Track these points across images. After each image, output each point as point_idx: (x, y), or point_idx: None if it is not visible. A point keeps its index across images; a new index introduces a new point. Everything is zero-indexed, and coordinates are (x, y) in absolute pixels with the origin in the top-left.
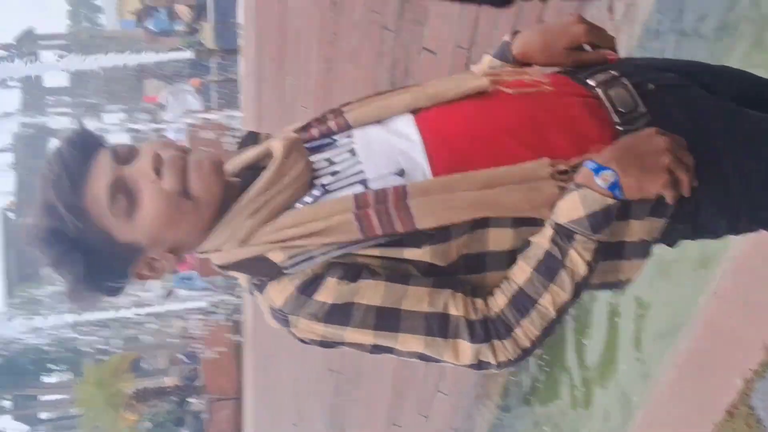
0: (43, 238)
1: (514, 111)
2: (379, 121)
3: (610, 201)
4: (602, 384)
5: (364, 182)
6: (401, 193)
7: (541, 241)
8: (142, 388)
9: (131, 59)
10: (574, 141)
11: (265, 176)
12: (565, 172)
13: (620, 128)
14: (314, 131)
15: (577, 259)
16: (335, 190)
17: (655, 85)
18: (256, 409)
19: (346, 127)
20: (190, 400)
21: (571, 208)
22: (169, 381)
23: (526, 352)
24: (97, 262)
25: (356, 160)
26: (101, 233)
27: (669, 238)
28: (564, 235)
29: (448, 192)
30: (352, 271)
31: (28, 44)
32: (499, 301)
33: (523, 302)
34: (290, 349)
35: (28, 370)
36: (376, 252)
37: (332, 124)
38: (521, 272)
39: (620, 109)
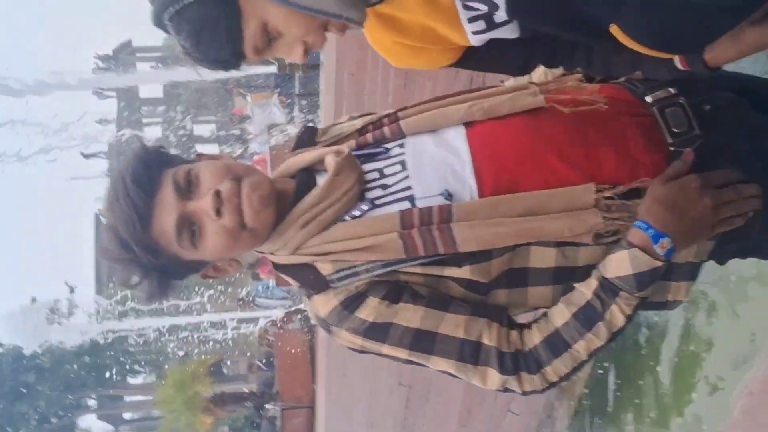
0: (121, 265)
1: (565, 129)
2: (432, 131)
3: (659, 264)
4: (676, 409)
5: (411, 199)
6: (446, 214)
7: (585, 291)
8: (220, 393)
9: (222, 72)
10: (623, 162)
11: (316, 192)
12: (611, 198)
13: (673, 149)
14: (369, 136)
15: (618, 314)
16: (383, 204)
17: (711, 106)
18: (328, 419)
19: (400, 135)
20: (267, 406)
21: (619, 265)
22: (248, 387)
23: (552, 386)
24: (169, 276)
25: (405, 174)
26: (171, 257)
27: (718, 256)
28: (609, 289)
29: (491, 216)
30: (394, 291)
31: (125, 56)
32: (534, 338)
33: (557, 344)
34: (362, 361)
35: (114, 370)
36: (418, 270)
37: (387, 130)
38: (560, 316)
39: (675, 130)
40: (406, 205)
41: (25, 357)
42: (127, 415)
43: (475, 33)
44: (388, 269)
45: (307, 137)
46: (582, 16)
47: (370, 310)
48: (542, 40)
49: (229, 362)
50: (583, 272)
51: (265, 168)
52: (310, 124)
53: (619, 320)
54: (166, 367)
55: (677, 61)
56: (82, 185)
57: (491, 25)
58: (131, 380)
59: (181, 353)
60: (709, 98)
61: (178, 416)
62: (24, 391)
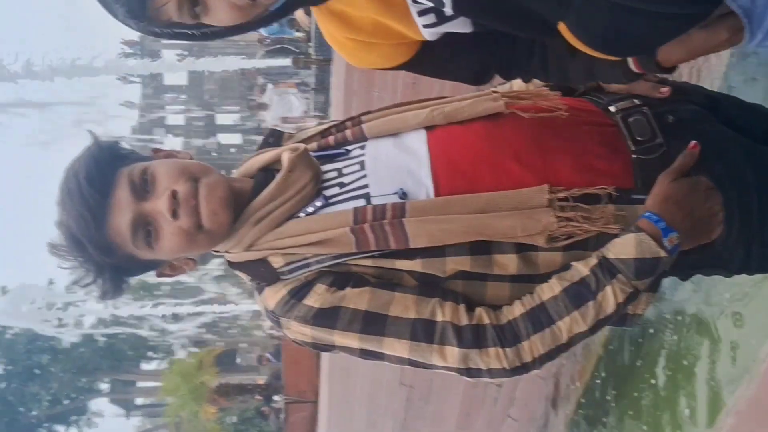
0: (74, 263)
1: (524, 135)
2: (393, 134)
3: (663, 255)
4: (670, 424)
5: (367, 197)
6: (399, 211)
7: (581, 267)
8: (225, 383)
9: (242, 63)
10: (581, 170)
11: (269, 188)
12: (565, 200)
13: (635, 156)
14: (331, 138)
15: (610, 297)
16: (338, 202)
17: (675, 117)
18: (330, 416)
19: (362, 138)
20: (276, 398)
21: (623, 247)
22: (259, 378)
23: (523, 367)
24: (123, 274)
25: (363, 174)
26: (126, 256)
27: (680, 269)
28: (607, 269)
29: (444, 214)
30: (341, 279)
31: (151, 42)
32: (515, 310)
33: (540, 318)
34: (364, 360)
35: (127, 355)
36: (369, 262)
37: (349, 133)
38: (549, 290)
39: (637, 138)
40: (362, 202)
41: (40, 338)
42: (139, 401)
43: (426, 26)
44: (339, 261)
45: (273, 140)
46: (530, 14)
47: (317, 296)
48: (498, 46)
49: (244, 353)
50: (543, 278)
51: None
52: (278, 127)
53: (610, 305)
54: (176, 356)
55: (631, 63)
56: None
57: (442, 18)
58: (144, 366)
59: (195, 341)
60: (673, 110)
61: (183, 405)
62: (37, 371)
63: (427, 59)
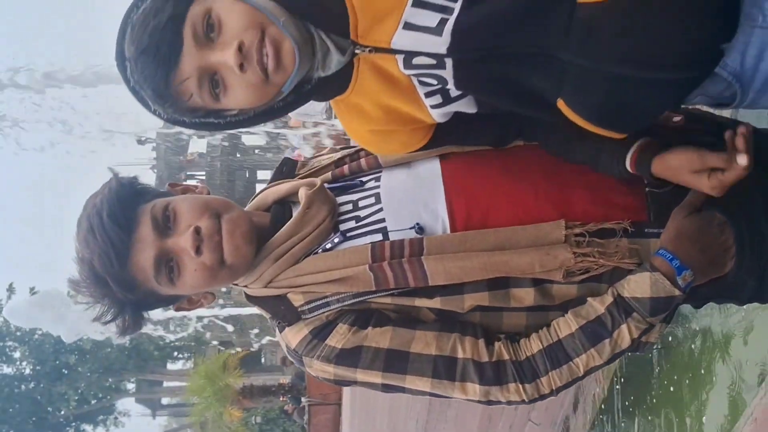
0: (95, 299)
1: (541, 166)
2: (407, 163)
3: (678, 294)
4: (688, 428)
5: (384, 231)
6: (417, 248)
7: (597, 305)
8: (249, 385)
9: None
10: (597, 203)
11: (288, 225)
12: (581, 235)
13: (648, 189)
14: (345, 168)
15: (626, 335)
16: (355, 236)
17: None
18: (353, 419)
19: (377, 166)
20: (303, 399)
21: (638, 286)
22: (283, 379)
23: (542, 397)
24: (142, 309)
25: (379, 207)
26: (147, 292)
27: (694, 300)
28: (622, 308)
29: (461, 251)
30: (363, 317)
31: None
32: (533, 345)
33: (558, 355)
34: (385, 392)
35: (153, 355)
36: (388, 300)
37: (363, 162)
38: (566, 326)
39: None
40: (379, 237)
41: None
42: (165, 400)
43: (433, 107)
44: (359, 299)
45: (287, 169)
46: (530, 91)
47: (339, 336)
48: (511, 118)
49: (269, 354)
50: (558, 308)
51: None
52: (290, 156)
53: (625, 342)
54: (202, 356)
55: (628, 163)
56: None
57: (447, 99)
58: (170, 366)
59: (222, 342)
60: (686, 141)
61: (208, 406)
62: (65, 372)
63: (447, 138)
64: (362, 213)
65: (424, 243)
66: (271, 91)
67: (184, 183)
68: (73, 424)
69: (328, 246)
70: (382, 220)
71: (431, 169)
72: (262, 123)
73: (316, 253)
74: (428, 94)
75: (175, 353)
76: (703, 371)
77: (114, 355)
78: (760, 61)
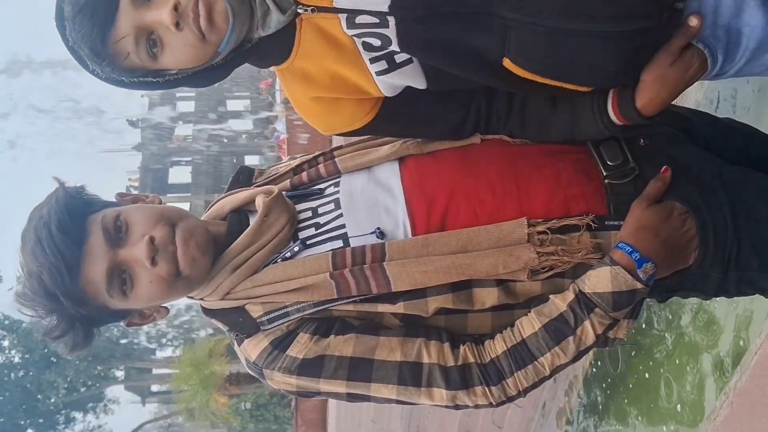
0: (44, 315)
1: (498, 165)
2: (367, 168)
3: (640, 287)
4: (663, 414)
5: (344, 237)
6: (379, 254)
7: (559, 302)
8: (236, 372)
9: None
10: (556, 197)
11: (245, 234)
12: (544, 233)
13: (607, 181)
14: (304, 175)
15: (589, 331)
16: (315, 244)
17: (648, 140)
18: (339, 404)
19: (336, 172)
20: None
21: (599, 281)
22: None
23: (509, 399)
24: (92, 325)
25: (339, 213)
26: (99, 306)
27: (658, 293)
28: (584, 304)
29: (423, 255)
30: (324, 326)
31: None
32: (497, 347)
33: (522, 355)
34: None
35: (142, 344)
36: (350, 307)
37: (322, 168)
38: (529, 326)
39: (609, 162)
40: (339, 244)
41: None
42: (154, 387)
43: (379, 74)
44: (320, 308)
45: (244, 178)
46: (474, 51)
47: (301, 346)
48: (474, 103)
49: None
50: (523, 305)
51: (284, 151)
52: (247, 165)
53: (589, 338)
54: (191, 344)
55: (612, 114)
56: (111, 158)
57: (392, 65)
58: (159, 353)
59: (211, 330)
60: (646, 133)
61: (194, 394)
62: (54, 360)
63: (397, 117)
64: (322, 220)
65: (386, 248)
66: (208, 50)
67: (134, 193)
68: (63, 411)
69: (288, 255)
70: (342, 226)
71: (390, 173)
72: (203, 84)
73: (275, 262)
74: (373, 60)
75: (163, 340)
76: (678, 361)
77: (102, 342)
78: (728, 18)
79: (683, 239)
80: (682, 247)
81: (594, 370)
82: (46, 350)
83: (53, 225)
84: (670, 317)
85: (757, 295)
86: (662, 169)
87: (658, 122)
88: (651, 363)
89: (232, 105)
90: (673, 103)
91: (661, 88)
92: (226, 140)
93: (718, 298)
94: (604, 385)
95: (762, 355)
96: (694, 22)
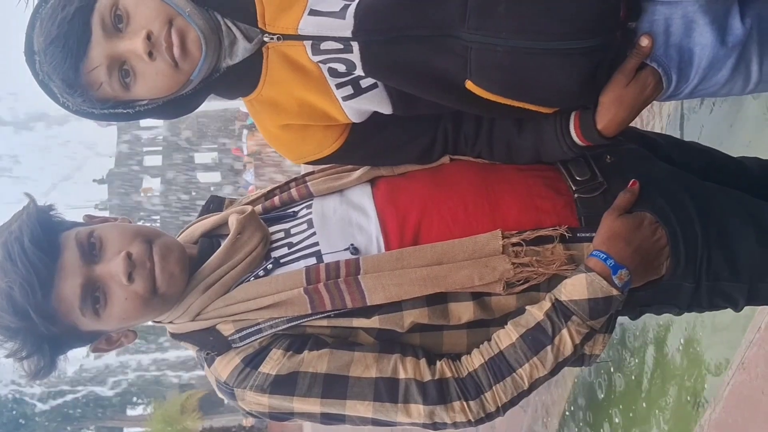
0: (11, 334)
1: (469, 182)
2: (339, 191)
3: (616, 293)
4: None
5: (318, 255)
6: (353, 268)
7: (536, 312)
8: (209, 427)
9: (225, 103)
10: (527, 211)
11: (218, 253)
12: (518, 244)
13: (577, 195)
14: (276, 199)
15: (567, 340)
16: (289, 262)
17: (614, 157)
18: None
19: (308, 196)
20: None
21: (575, 288)
22: (246, 421)
23: (488, 417)
24: (60, 348)
25: (312, 232)
26: (68, 325)
27: (631, 309)
28: (561, 312)
29: (398, 268)
30: (298, 342)
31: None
32: (474, 360)
33: (500, 367)
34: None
35: (112, 402)
36: (325, 322)
37: (294, 192)
38: (506, 337)
39: (577, 178)
40: (313, 261)
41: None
42: None
43: (345, 99)
44: (293, 324)
45: (214, 207)
46: (436, 74)
47: (274, 362)
48: (441, 128)
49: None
50: (498, 321)
51: None
52: (219, 194)
53: (567, 348)
54: (162, 400)
55: (574, 135)
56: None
57: (358, 90)
58: (130, 411)
59: (183, 385)
60: (612, 150)
61: None
62: (22, 422)
63: (365, 143)
64: (295, 239)
65: (361, 262)
66: (180, 78)
67: (102, 215)
68: None
69: (261, 273)
70: (316, 244)
71: (362, 194)
72: (172, 114)
73: (248, 281)
74: (339, 85)
75: (134, 398)
76: (658, 380)
77: (70, 403)
78: (679, 38)
79: (655, 248)
80: (654, 256)
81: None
82: (14, 412)
83: (26, 239)
84: (640, 347)
85: (728, 324)
86: (630, 182)
87: (621, 141)
88: (623, 401)
89: (200, 158)
90: (640, 128)
91: (620, 108)
92: (194, 193)
93: (691, 328)
94: (582, 423)
95: (734, 385)
96: (645, 42)
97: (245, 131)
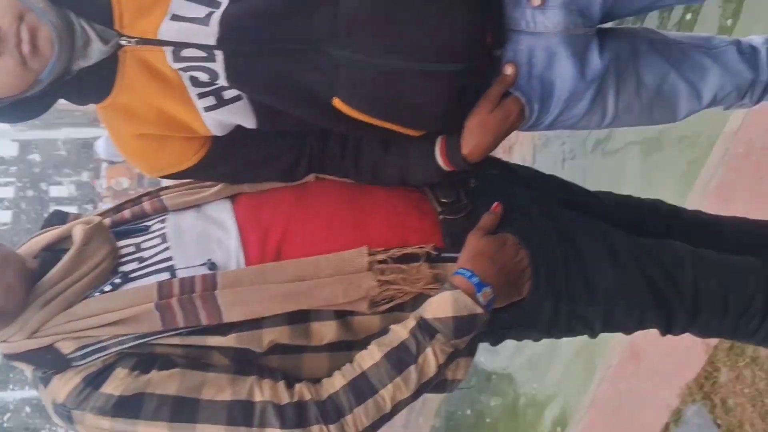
0: None
1: (334, 200)
2: (195, 206)
3: (480, 311)
4: None
5: (171, 270)
6: (210, 283)
7: (400, 330)
8: None
9: (83, 132)
10: (393, 229)
11: (60, 265)
12: (384, 262)
13: (442, 216)
14: (127, 212)
15: (431, 359)
16: (139, 277)
17: (478, 182)
18: None
19: (162, 210)
20: None
21: (440, 306)
22: None
23: None
24: None
25: (165, 246)
26: None
27: (493, 334)
28: (426, 330)
29: (259, 283)
30: (145, 361)
31: None
32: (336, 382)
33: (362, 389)
34: None
35: None
36: (176, 341)
37: (147, 205)
38: (369, 357)
39: (443, 200)
40: (166, 276)
41: None
42: None
43: (207, 109)
44: (142, 341)
45: (57, 220)
46: (303, 89)
47: (118, 382)
48: (307, 145)
49: None
50: (362, 344)
51: None
52: (63, 209)
53: (431, 368)
54: None
55: (440, 161)
56: None
57: (221, 101)
58: None
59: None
60: (476, 175)
61: None
62: None
63: (227, 158)
64: (146, 254)
65: (218, 277)
66: (29, 78)
67: None
68: None
69: (107, 288)
70: (169, 259)
71: (222, 210)
72: (18, 117)
73: (93, 296)
74: (201, 95)
75: None
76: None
77: None
78: (542, 69)
79: (517, 268)
80: (516, 276)
81: None
82: None
83: None
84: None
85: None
86: (494, 205)
87: (485, 166)
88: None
89: (56, 191)
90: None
91: (484, 133)
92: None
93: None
94: None
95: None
96: (509, 70)
97: (104, 164)
